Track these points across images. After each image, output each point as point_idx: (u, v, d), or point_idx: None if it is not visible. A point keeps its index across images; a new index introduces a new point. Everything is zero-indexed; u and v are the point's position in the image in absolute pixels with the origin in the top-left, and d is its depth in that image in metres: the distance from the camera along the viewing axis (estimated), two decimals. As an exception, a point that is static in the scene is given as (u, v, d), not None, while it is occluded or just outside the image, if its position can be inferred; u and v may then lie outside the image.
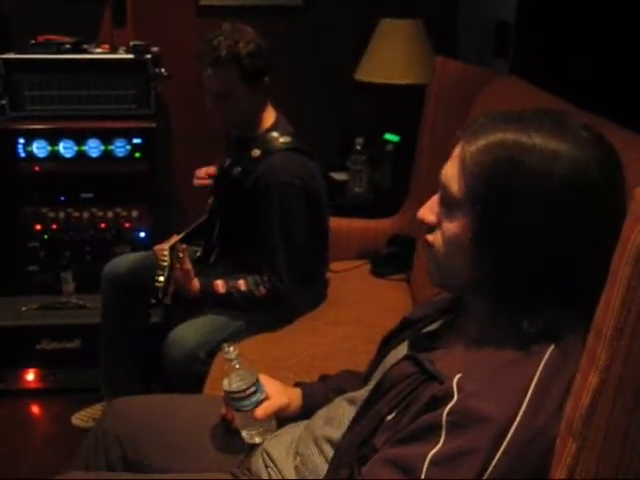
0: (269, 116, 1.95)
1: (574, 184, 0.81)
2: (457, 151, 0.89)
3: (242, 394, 1.16)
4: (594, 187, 0.82)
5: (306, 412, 1.24)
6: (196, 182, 2.12)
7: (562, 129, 0.84)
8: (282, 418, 1.23)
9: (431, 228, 0.94)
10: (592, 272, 0.78)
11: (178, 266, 1.78)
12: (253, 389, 1.17)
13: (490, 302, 0.88)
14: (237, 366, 1.19)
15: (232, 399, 1.17)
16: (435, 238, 0.93)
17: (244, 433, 1.20)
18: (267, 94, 1.92)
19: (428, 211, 0.94)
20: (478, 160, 0.85)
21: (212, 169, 2.11)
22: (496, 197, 0.83)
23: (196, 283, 1.84)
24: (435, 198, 0.94)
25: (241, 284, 1.85)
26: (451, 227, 0.89)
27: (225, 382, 1.18)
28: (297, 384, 1.31)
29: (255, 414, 1.17)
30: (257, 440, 1.19)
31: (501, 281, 0.86)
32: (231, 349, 1.19)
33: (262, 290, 1.85)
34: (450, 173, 0.89)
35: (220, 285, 1.85)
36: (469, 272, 0.88)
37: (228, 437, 1.27)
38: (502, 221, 0.83)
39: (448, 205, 0.90)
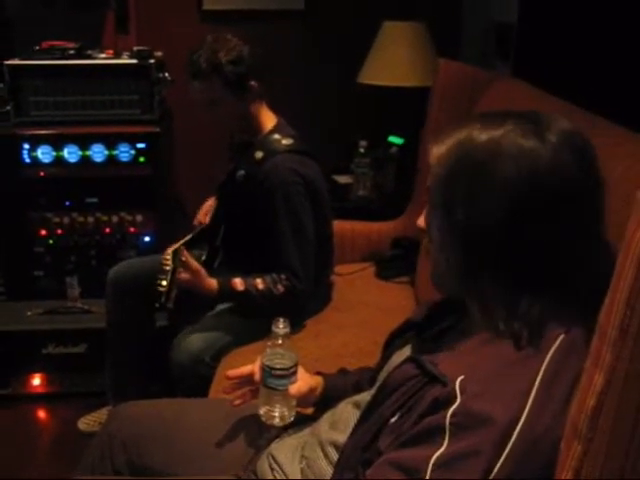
0: (268, 119, 1.96)
1: (522, 187, 0.83)
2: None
3: (285, 372, 1.15)
4: (542, 191, 0.83)
5: (325, 401, 1.25)
6: (196, 222, 2.23)
7: (535, 130, 0.85)
8: (302, 402, 1.24)
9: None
10: (563, 274, 0.81)
11: (181, 270, 1.78)
12: (295, 369, 1.17)
13: (479, 304, 0.90)
14: (280, 342, 1.16)
15: (272, 376, 1.15)
16: (428, 242, 0.97)
17: (264, 411, 1.19)
18: (259, 97, 1.93)
19: (422, 217, 0.98)
20: (441, 162, 0.90)
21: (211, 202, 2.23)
22: (452, 197, 0.88)
23: (213, 281, 1.83)
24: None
25: (259, 282, 1.84)
26: (431, 228, 0.95)
27: (265, 357, 1.16)
28: (318, 373, 1.31)
29: (290, 391, 1.16)
30: (276, 421, 1.19)
31: (474, 282, 0.89)
32: (281, 325, 1.17)
33: (280, 288, 1.84)
34: (430, 180, 0.93)
35: (238, 283, 1.84)
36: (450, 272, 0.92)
37: (233, 440, 1.27)
38: (460, 220, 0.87)
39: (429, 209, 0.95)
